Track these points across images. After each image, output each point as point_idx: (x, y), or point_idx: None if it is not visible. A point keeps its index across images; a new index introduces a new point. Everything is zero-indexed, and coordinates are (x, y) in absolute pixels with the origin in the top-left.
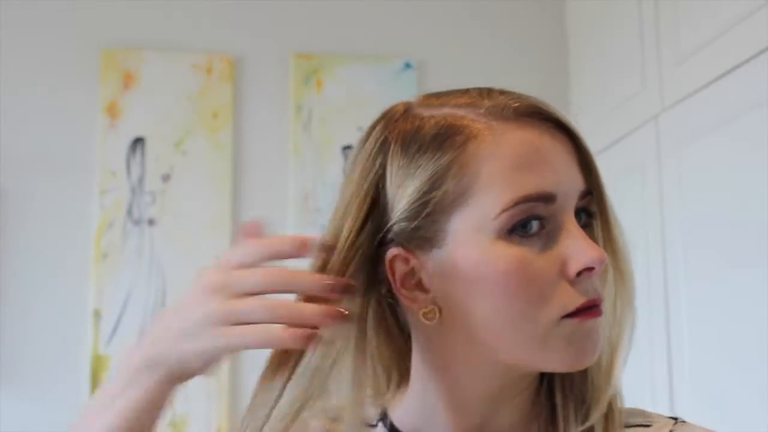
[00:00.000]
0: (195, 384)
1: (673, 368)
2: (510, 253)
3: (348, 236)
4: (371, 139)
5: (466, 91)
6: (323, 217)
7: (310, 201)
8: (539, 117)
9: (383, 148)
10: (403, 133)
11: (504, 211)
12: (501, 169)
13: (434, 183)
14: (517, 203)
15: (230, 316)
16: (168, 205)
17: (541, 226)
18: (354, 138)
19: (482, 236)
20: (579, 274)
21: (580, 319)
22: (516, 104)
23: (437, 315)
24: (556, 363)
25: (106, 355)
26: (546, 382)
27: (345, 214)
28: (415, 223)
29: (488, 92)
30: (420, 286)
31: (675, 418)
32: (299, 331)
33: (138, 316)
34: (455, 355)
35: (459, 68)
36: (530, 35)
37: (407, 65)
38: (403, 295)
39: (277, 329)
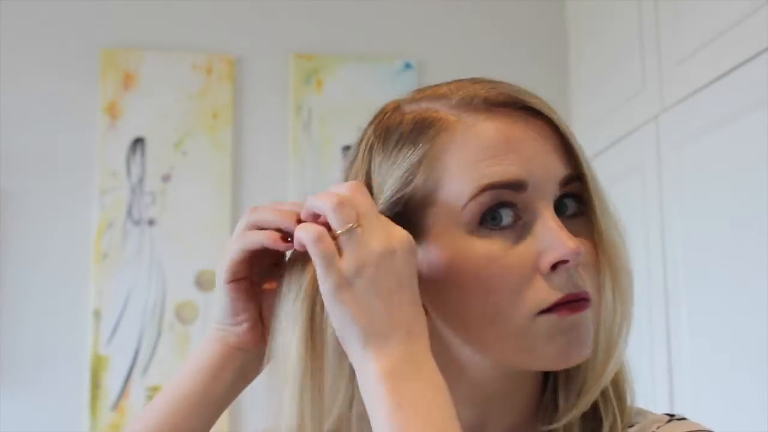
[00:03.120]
0: None
1: (673, 368)
2: (479, 249)
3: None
4: (363, 140)
5: (447, 83)
6: None
7: None
8: (513, 106)
9: (368, 146)
10: (385, 129)
11: (470, 200)
12: (468, 161)
13: (407, 179)
14: (482, 190)
15: (247, 222)
16: (168, 205)
17: (516, 217)
18: (354, 138)
19: (454, 232)
20: (554, 267)
21: (559, 315)
22: (486, 94)
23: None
24: (540, 361)
25: (106, 355)
26: (551, 379)
27: None
28: (398, 220)
29: (470, 82)
30: None
31: (672, 415)
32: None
33: (138, 316)
34: (447, 355)
35: (459, 68)
36: (530, 35)
37: (407, 65)
38: None
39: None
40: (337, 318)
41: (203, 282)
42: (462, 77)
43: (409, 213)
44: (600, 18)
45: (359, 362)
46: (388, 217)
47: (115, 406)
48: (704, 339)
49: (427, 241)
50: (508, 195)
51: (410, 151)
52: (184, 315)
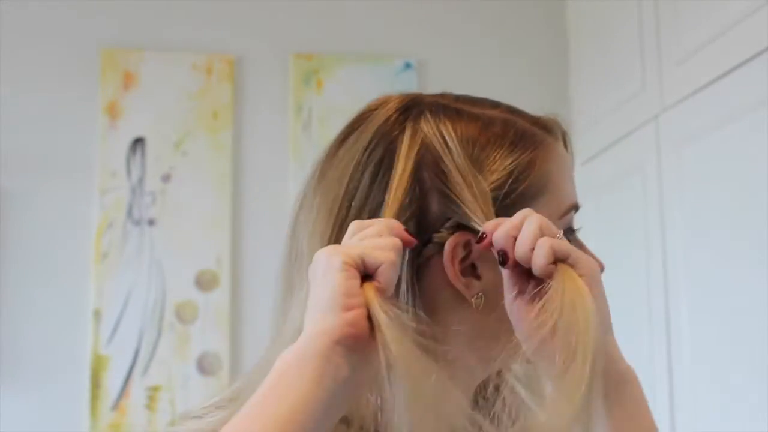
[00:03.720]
0: (195, 385)
1: (674, 369)
2: None
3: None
4: (406, 135)
5: (497, 103)
6: None
7: None
8: (563, 137)
9: (441, 137)
10: (464, 127)
11: (565, 214)
12: (562, 178)
13: (519, 176)
14: (571, 209)
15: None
16: (168, 205)
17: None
18: None
19: None
20: None
21: None
22: (555, 124)
23: (481, 304)
24: None
25: (106, 355)
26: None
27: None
28: (492, 210)
29: (518, 109)
30: (472, 272)
31: None
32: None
33: (138, 316)
34: (473, 349)
35: (459, 68)
36: (530, 35)
37: (407, 65)
38: (460, 281)
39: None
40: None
41: (203, 282)
42: (472, 92)
43: (513, 205)
44: (600, 18)
45: (617, 348)
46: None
47: (115, 406)
48: (704, 339)
49: None
50: (573, 218)
51: (518, 152)
52: (184, 315)
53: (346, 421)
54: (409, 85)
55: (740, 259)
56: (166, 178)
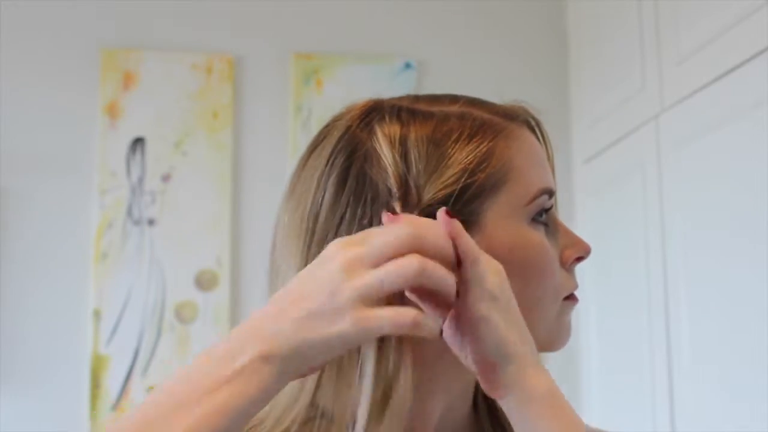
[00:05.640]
0: None
1: (673, 369)
2: (538, 237)
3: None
4: (381, 139)
5: (457, 97)
6: None
7: None
8: (531, 124)
9: (395, 140)
10: (418, 127)
11: (533, 199)
12: (527, 164)
13: (475, 168)
14: (541, 194)
15: (374, 290)
16: (168, 205)
17: (547, 218)
18: None
19: (515, 221)
20: (572, 262)
21: (573, 302)
22: (521, 111)
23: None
24: (558, 342)
25: (106, 355)
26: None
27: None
28: (451, 206)
29: (480, 100)
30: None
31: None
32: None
33: (138, 316)
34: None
35: (459, 68)
36: (530, 35)
37: (407, 65)
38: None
39: (417, 314)
40: (492, 338)
41: (203, 282)
42: (448, 92)
43: (472, 198)
44: (600, 18)
45: (519, 381)
46: (445, 204)
47: (115, 406)
48: (704, 339)
49: (483, 226)
50: (548, 202)
51: (474, 145)
52: (184, 315)
53: (327, 416)
54: (409, 85)
55: (740, 258)
56: (166, 178)
